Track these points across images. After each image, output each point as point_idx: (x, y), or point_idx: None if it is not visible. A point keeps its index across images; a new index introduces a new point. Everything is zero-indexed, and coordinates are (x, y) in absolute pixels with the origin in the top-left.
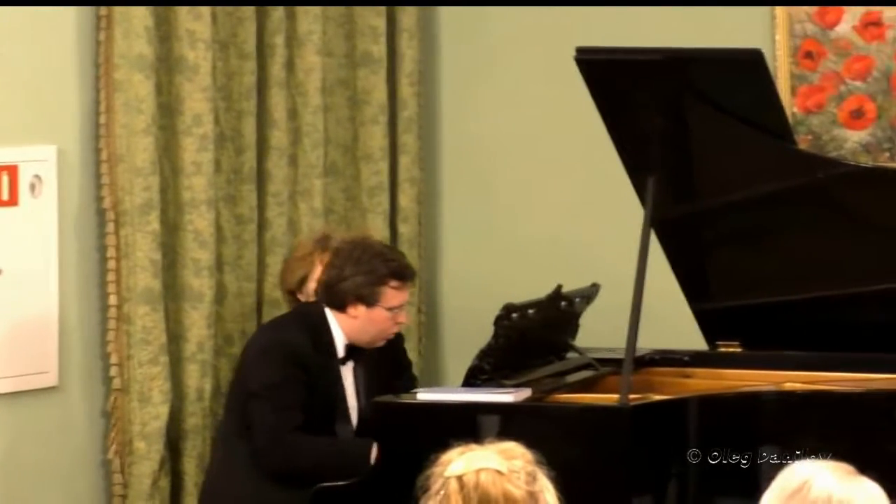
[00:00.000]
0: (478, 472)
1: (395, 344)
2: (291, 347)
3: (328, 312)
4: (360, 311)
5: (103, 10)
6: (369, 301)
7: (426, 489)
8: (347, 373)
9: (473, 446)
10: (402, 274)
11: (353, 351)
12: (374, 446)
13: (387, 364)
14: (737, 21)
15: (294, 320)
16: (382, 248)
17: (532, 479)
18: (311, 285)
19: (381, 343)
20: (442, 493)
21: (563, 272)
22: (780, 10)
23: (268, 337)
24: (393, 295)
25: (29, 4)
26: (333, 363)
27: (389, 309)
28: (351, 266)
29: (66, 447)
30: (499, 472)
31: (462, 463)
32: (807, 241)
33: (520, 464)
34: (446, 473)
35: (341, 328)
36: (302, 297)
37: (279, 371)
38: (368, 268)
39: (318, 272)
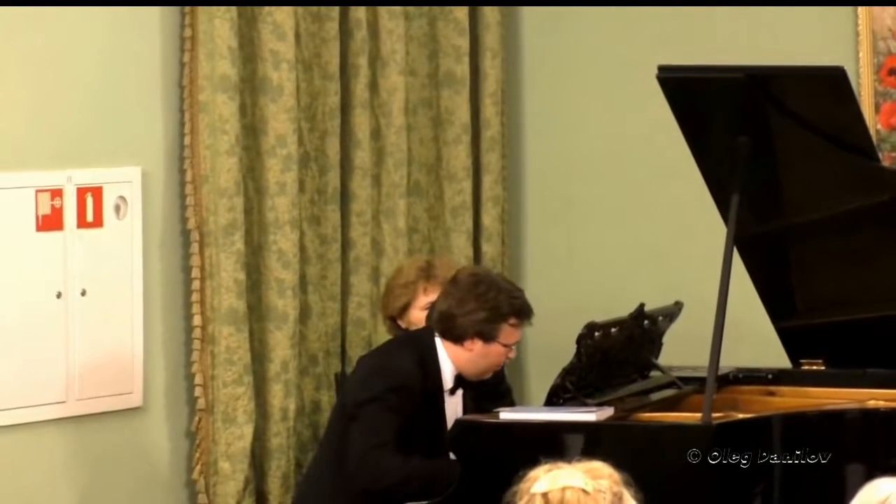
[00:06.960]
0: (563, 489)
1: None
2: (398, 374)
3: (438, 342)
4: (476, 345)
5: (188, 31)
6: (488, 337)
7: None
8: (453, 403)
9: (561, 464)
10: (524, 312)
11: (460, 381)
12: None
13: (481, 387)
14: (820, 38)
15: (404, 347)
16: (506, 284)
17: (618, 499)
18: (414, 313)
19: (487, 376)
20: None
21: (646, 290)
22: (863, 28)
23: (376, 362)
24: (511, 332)
25: (118, 3)
26: (439, 393)
27: (505, 345)
28: (474, 300)
29: (150, 468)
30: (584, 490)
31: (548, 480)
32: (890, 259)
33: (606, 484)
34: (532, 490)
35: (451, 359)
36: (403, 324)
37: (380, 395)
38: (493, 304)
39: (421, 301)
